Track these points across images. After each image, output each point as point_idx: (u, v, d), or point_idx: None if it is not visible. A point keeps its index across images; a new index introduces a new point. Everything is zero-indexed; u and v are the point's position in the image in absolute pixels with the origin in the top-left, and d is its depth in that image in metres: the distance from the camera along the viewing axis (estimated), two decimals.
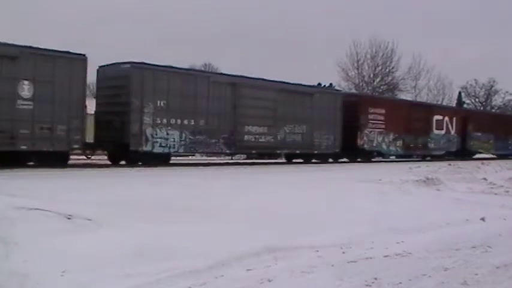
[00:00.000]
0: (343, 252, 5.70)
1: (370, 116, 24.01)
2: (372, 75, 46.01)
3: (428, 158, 28.02)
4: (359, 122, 23.44)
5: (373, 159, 25.01)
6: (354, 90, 43.15)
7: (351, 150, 23.04)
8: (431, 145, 28.06)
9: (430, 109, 29.64)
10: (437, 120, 28.56)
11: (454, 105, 51.62)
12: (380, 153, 25.38)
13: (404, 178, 13.23)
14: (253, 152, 20.81)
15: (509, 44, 66.24)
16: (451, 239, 6.63)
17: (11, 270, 4.36)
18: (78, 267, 4.54)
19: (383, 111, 24.52)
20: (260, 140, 19.20)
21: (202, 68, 50.74)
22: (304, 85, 21.75)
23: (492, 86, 56.87)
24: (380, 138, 24.55)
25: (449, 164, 20.06)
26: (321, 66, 56.29)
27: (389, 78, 46.70)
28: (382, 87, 46.31)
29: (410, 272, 4.93)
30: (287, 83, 20.63)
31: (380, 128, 24.47)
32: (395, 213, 8.36)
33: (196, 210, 7.36)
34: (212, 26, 66.58)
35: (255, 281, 4.49)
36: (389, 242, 6.22)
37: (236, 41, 65.94)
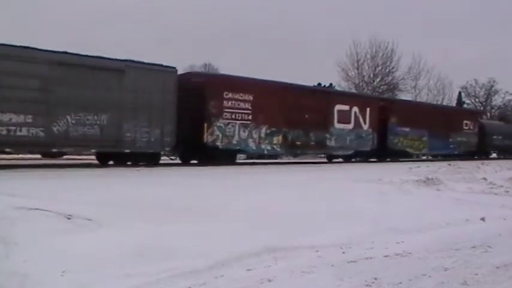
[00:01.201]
0: (343, 252, 5.70)
1: (227, 103, 17.98)
2: (372, 75, 46.06)
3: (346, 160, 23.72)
4: (207, 111, 17.46)
5: (237, 161, 19.88)
6: (354, 90, 43.20)
7: (197, 148, 17.82)
8: (330, 143, 21.92)
9: (328, 96, 22.94)
10: (340, 111, 22.35)
11: (454, 105, 51.67)
12: (245, 153, 20.63)
13: (404, 178, 13.23)
14: (7, 150, 16.15)
15: (509, 44, 66.30)
16: (451, 239, 6.63)
17: (11, 270, 4.36)
18: (78, 267, 4.54)
19: (250, 97, 18.48)
20: (18, 133, 13.43)
21: (202, 68, 50.88)
22: (108, 58, 15.43)
23: (492, 86, 56.93)
24: (244, 133, 18.50)
25: (449, 164, 20.07)
26: (321, 66, 56.34)
27: (389, 78, 46.76)
28: (382, 87, 46.35)
29: (410, 272, 4.93)
30: (73, 54, 14.53)
31: (245, 120, 18.45)
32: (396, 213, 8.36)
33: (196, 210, 7.36)
34: (212, 26, 66.59)
35: (255, 281, 4.50)
36: (389, 242, 6.22)
37: (236, 41, 65.95)
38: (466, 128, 30.38)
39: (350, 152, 23.09)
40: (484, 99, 58.30)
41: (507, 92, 56.28)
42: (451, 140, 29.31)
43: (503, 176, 15.65)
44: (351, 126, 22.89)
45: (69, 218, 6.12)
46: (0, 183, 8.83)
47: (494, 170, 18.69)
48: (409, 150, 26.79)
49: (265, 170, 16.92)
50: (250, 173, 14.66)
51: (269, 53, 65.61)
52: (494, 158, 32.25)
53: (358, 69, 45.79)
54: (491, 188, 13.14)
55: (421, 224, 7.43)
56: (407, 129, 26.08)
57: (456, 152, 29.46)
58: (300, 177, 13.72)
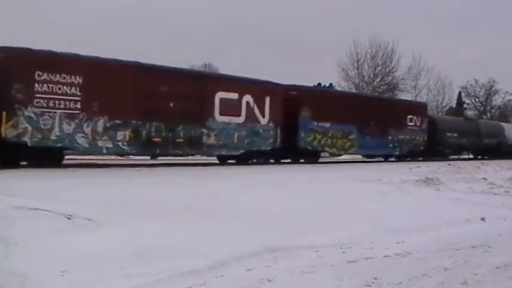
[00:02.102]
0: (343, 252, 5.70)
1: (42, 87, 13.51)
2: (372, 75, 46.04)
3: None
4: (9, 97, 13.13)
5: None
6: (354, 90, 43.22)
7: None
8: (209, 140, 17.22)
9: (205, 80, 17.91)
10: (224, 100, 17.50)
11: (454, 105, 51.67)
12: (74, 150, 15.38)
13: (404, 178, 13.23)
14: None
15: (509, 44, 66.26)
16: (451, 239, 6.63)
17: (11, 270, 4.36)
18: (78, 267, 4.54)
19: (78, 79, 14.08)
20: None
21: (202, 68, 50.86)
22: None
23: (492, 86, 56.90)
24: (70, 126, 14.05)
25: (449, 164, 20.07)
26: (321, 66, 56.31)
27: (390, 78, 46.73)
28: (382, 87, 46.34)
29: (410, 272, 4.93)
30: None
31: (70, 109, 14.03)
32: (395, 213, 8.36)
33: (196, 210, 7.36)
34: (212, 26, 66.50)
35: (255, 281, 4.50)
36: (389, 242, 6.22)
37: (236, 41, 65.90)
38: (411, 123, 25.92)
39: (239, 152, 18.29)
40: (484, 99, 58.30)
41: (507, 92, 56.30)
42: (390, 137, 24.54)
43: (503, 176, 15.65)
44: (240, 119, 18.08)
45: (69, 218, 6.11)
46: (0, 183, 8.83)
47: (494, 170, 18.70)
48: (329, 150, 21.96)
49: (266, 170, 16.91)
50: (250, 173, 14.66)
51: (269, 53, 65.59)
52: (446, 159, 26.77)
53: (358, 69, 45.80)
54: (491, 188, 13.14)
55: (421, 224, 7.43)
56: (326, 124, 21.13)
57: (397, 152, 25.29)
58: (300, 178, 13.72)
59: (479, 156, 32.03)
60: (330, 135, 21.47)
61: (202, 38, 67.47)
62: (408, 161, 24.51)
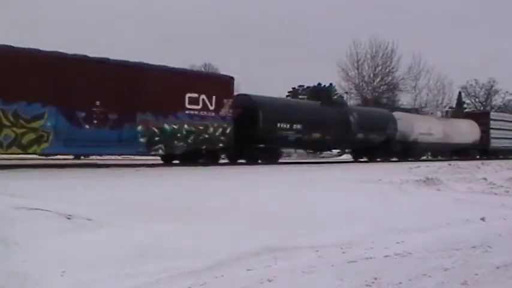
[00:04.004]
0: (343, 252, 5.70)
1: None
2: (372, 75, 46.10)
3: None
4: None
5: None
6: (354, 90, 43.30)
7: None
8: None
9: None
10: None
11: (454, 105, 51.65)
12: None
13: (404, 178, 13.23)
14: None
15: (509, 44, 66.37)
16: (451, 239, 6.62)
17: (11, 270, 4.36)
18: (78, 267, 4.54)
19: None
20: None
21: (202, 68, 50.87)
22: None
23: (492, 86, 57.06)
24: None
25: (450, 164, 20.07)
26: (321, 66, 56.41)
27: (390, 78, 46.84)
28: (382, 87, 46.40)
29: (410, 272, 4.93)
30: None
31: None
32: (395, 213, 8.36)
33: (196, 210, 7.36)
34: (212, 26, 66.60)
35: (255, 281, 4.49)
36: (390, 242, 6.22)
37: (236, 41, 65.96)
38: (194, 106, 17.24)
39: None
40: (484, 99, 58.36)
41: (507, 92, 56.49)
42: (140, 128, 15.85)
43: (503, 176, 15.64)
44: None
45: (69, 218, 6.12)
46: (0, 183, 8.83)
47: (494, 170, 18.70)
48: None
49: (266, 170, 16.91)
50: (250, 173, 14.66)
51: (269, 53, 65.69)
52: (275, 163, 19.88)
53: (358, 69, 45.87)
54: (491, 188, 13.13)
55: (421, 224, 7.42)
56: None
57: (160, 151, 16.71)
58: (300, 178, 13.72)
59: (355, 158, 26.03)
60: None
61: (202, 38, 67.46)
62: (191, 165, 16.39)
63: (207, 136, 17.69)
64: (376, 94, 44.75)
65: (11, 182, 9.30)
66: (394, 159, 26.20)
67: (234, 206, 7.92)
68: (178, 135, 16.92)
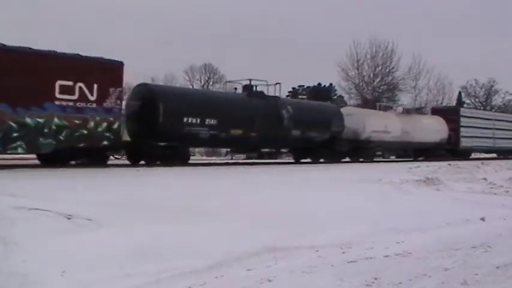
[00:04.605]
0: (343, 252, 5.70)
1: None
2: (372, 75, 46.10)
3: None
4: None
5: None
6: (353, 90, 43.32)
7: None
8: None
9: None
10: None
11: (454, 104, 51.55)
12: None
13: (404, 178, 13.22)
14: None
15: (509, 44, 66.32)
16: (451, 239, 6.62)
17: (11, 270, 4.36)
18: (78, 267, 4.54)
19: None
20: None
21: (202, 69, 50.88)
22: None
23: (492, 86, 57.03)
24: None
25: (449, 164, 20.06)
26: (321, 66, 56.39)
27: (389, 78, 46.82)
28: (382, 87, 46.39)
29: (410, 272, 4.93)
30: None
31: None
32: (395, 213, 8.36)
33: (196, 210, 7.36)
34: (212, 26, 66.59)
35: (255, 281, 4.49)
36: (390, 242, 6.22)
37: (236, 41, 65.96)
38: (70, 97, 14.35)
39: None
40: (484, 99, 58.35)
41: (507, 92, 56.45)
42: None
43: (503, 176, 15.63)
44: None
45: (69, 218, 6.11)
46: (1, 183, 8.83)
47: (494, 170, 18.69)
48: None
49: (266, 170, 16.91)
50: (250, 172, 14.66)
51: (269, 53, 65.68)
52: (184, 164, 16.73)
53: (358, 69, 45.87)
54: (491, 188, 13.13)
55: (421, 224, 7.42)
56: None
57: (22, 150, 13.97)
58: (300, 178, 13.72)
59: (296, 160, 22.83)
60: None
61: (202, 38, 67.46)
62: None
63: (85, 132, 14.57)
64: (376, 94, 44.72)
65: (11, 182, 9.30)
66: (344, 160, 23.59)
67: (234, 205, 7.91)
68: (45, 130, 13.81)
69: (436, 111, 33.32)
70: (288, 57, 65.34)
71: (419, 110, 36.10)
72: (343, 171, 16.86)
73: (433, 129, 29.01)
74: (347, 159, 23.38)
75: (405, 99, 50.00)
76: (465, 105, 53.75)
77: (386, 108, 29.99)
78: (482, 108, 54.58)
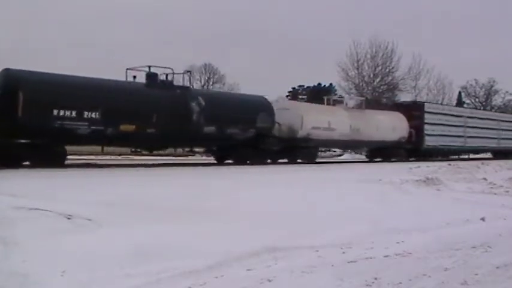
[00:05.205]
0: (343, 252, 5.70)
1: None
2: (372, 75, 46.09)
3: None
4: None
5: None
6: (354, 90, 43.29)
7: None
8: None
9: None
10: None
11: (454, 105, 51.56)
12: None
13: (404, 178, 13.22)
14: None
15: (509, 44, 66.30)
16: (451, 239, 6.62)
17: (11, 270, 4.36)
18: (78, 267, 4.54)
19: None
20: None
21: (202, 69, 50.82)
22: None
23: (492, 86, 57.04)
24: None
25: (449, 164, 20.06)
26: (321, 66, 56.37)
27: (389, 78, 46.82)
28: (382, 87, 46.38)
29: (410, 272, 4.93)
30: None
31: None
32: (395, 213, 8.36)
33: (196, 210, 7.36)
34: (212, 26, 66.56)
35: (255, 281, 4.49)
36: (390, 242, 6.22)
37: (236, 41, 65.94)
38: None
39: None
40: (484, 99, 58.34)
41: (507, 92, 56.45)
42: None
43: (503, 176, 15.63)
44: None
45: (69, 218, 6.11)
46: (1, 183, 8.83)
47: (494, 170, 18.69)
48: None
49: (266, 170, 16.92)
50: (250, 173, 14.66)
51: (269, 53, 65.68)
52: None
53: (358, 69, 45.85)
54: (491, 188, 13.13)
55: (421, 224, 7.42)
56: None
57: None
58: (300, 178, 13.72)
59: (217, 160, 20.19)
60: None
61: (202, 38, 67.45)
62: None
63: None
64: (376, 94, 44.71)
65: (11, 181, 9.30)
66: (282, 161, 20.76)
67: (234, 205, 7.91)
68: None
69: (398, 107, 30.30)
70: (288, 57, 65.37)
71: (379, 104, 32.83)
72: (344, 171, 16.87)
73: (390, 127, 26.13)
74: (343, 159, 23.32)
75: (405, 99, 50.01)
76: (465, 105, 53.66)
77: (335, 103, 27.47)
78: (482, 108, 54.56)
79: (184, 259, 4.90)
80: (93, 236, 5.58)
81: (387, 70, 46.25)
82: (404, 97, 48.36)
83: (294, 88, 55.32)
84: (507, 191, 12.51)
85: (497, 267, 5.27)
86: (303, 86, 54.98)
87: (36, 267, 4.46)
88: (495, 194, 12.19)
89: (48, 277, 4.27)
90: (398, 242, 6.26)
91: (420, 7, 67.26)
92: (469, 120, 32.29)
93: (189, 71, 18.19)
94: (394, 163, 24.27)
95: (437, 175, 14.49)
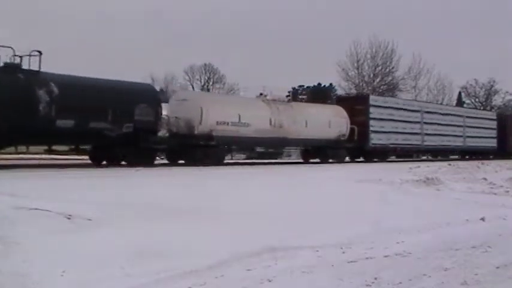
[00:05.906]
0: (343, 252, 5.69)
1: None
2: (372, 75, 46.09)
3: None
4: None
5: None
6: (353, 90, 43.28)
7: None
8: None
9: None
10: None
11: (455, 105, 51.56)
12: None
13: (404, 178, 13.23)
14: None
15: (509, 44, 66.26)
16: (451, 239, 6.62)
17: (11, 270, 4.36)
18: (78, 267, 4.54)
19: None
20: None
21: (202, 69, 50.79)
22: None
23: (492, 86, 56.94)
24: None
25: (449, 164, 20.06)
26: (321, 66, 56.32)
27: (389, 78, 46.82)
28: (382, 87, 46.36)
29: (410, 272, 4.93)
30: None
31: None
32: (396, 213, 8.36)
33: (196, 210, 7.36)
34: (212, 26, 66.51)
35: (255, 281, 4.49)
36: (389, 242, 6.22)
37: (236, 41, 65.92)
38: None
39: None
40: (484, 99, 58.28)
41: (507, 92, 56.31)
42: None
43: (503, 176, 15.62)
44: None
45: (69, 218, 6.12)
46: (1, 183, 8.83)
47: (494, 170, 18.69)
48: None
49: (266, 170, 16.92)
50: (250, 173, 14.65)
51: (269, 53, 65.61)
52: None
53: (358, 69, 45.83)
54: (491, 188, 13.12)
55: (421, 224, 7.42)
56: None
57: None
58: (299, 178, 13.72)
59: (92, 161, 16.82)
60: None
61: (202, 38, 67.40)
62: None
63: None
64: (376, 94, 44.71)
65: (11, 182, 9.30)
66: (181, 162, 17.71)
67: (234, 206, 7.91)
68: None
69: (338, 101, 26.93)
70: (288, 57, 65.33)
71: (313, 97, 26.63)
72: (344, 171, 16.87)
73: (324, 122, 22.16)
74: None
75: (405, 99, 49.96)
76: (465, 105, 53.55)
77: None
78: (482, 108, 54.53)
79: (184, 259, 4.89)
80: (93, 235, 5.57)
81: (387, 70, 46.27)
82: (405, 97, 48.45)
83: (294, 88, 55.37)
84: (507, 191, 12.50)
85: (497, 267, 5.27)
86: (303, 86, 55.05)
87: (37, 267, 4.46)
88: (495, 194, 12.18)
89: (48, 277, 4.28)
90: (398, 242, 6.26)
91: (420, 7, 67.32)
92: (427, 115, 28.49)
93: (39, 51, 13.77)
94: (394, 163, 24.04)
95: (437, 175, 14.49)
